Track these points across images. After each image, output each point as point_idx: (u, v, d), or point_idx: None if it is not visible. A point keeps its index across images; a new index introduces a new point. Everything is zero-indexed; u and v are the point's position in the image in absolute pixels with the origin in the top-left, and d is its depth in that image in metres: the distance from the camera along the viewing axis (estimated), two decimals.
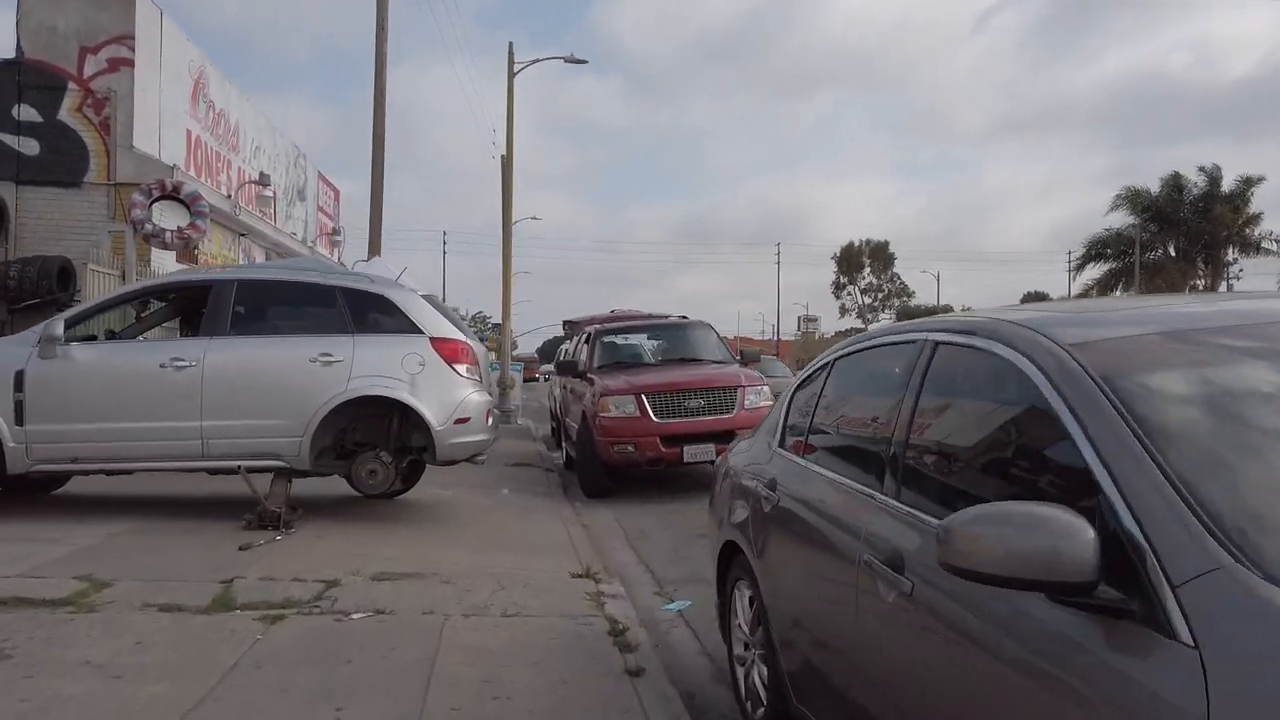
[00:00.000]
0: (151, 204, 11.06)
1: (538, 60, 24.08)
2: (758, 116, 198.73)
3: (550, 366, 22.96)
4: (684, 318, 12.95)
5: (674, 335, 12.28)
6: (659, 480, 10.63)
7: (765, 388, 10.45)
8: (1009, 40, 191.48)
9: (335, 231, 26.34)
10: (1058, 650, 1.68)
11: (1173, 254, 44.35)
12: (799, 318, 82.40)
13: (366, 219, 15.50)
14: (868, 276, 79.64)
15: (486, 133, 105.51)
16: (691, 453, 9.75)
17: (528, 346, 56.89)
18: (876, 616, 2.37)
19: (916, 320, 2.95)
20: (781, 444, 3.61)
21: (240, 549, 6.06)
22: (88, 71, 12.93)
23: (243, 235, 17.23)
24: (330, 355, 6.90)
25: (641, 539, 7.81)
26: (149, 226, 10.89)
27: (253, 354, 7.01)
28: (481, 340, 8.74)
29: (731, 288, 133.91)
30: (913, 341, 2.74)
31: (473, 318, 69.60)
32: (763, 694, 3.38)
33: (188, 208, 11.17)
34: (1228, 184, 42.49)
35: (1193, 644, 1.43)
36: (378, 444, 7.15)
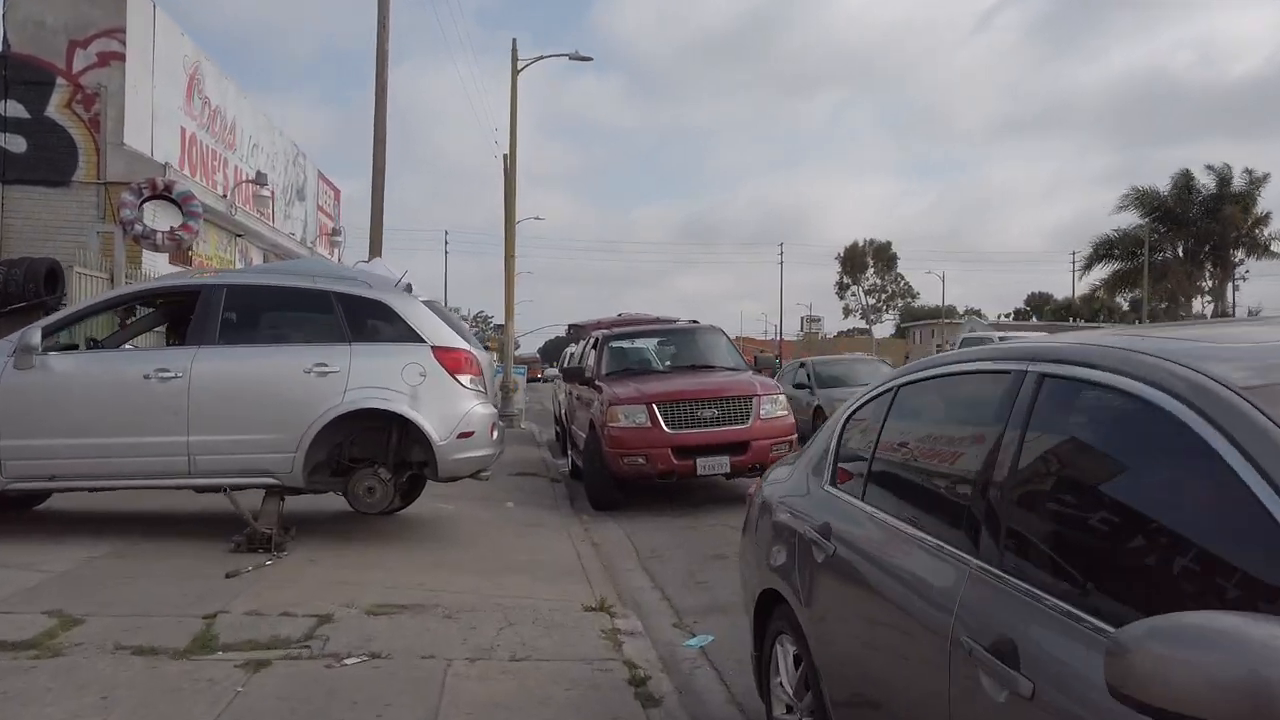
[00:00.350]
0: (142, 204, 10.60)
1: (542, 57, 23.66)
2: (759, 116, 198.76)
3: (554, 370, 22.51)
4: (694, 322, 12.49)
5: (685, 341, 11.82)
6: (669, 492, 10.18)
7: (781, 397, 10.01)
8: (1010, 39, 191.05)
9: (335, 232, 25.89)
10: None
11: (1180, 255, 43.89)
12: (802, 318, 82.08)
13: (368, 219, 15.08)
14: (871, 277, 79.20)
15: (488, 132, 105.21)
16: (705, 465, 9.32)
17: (529, 347, 56.52)
18: (980, 715, 1.93)
19: (1008, 346, 2.49)
20: (833, 481, 3.17)
21: (227, 576, 5.63)
22: (77, 66, 12.49)
23: (239, 236, 16.79)
24: (325, 365, 6.48)
25: (654, 559, 7.38)
26: (139, 227, 10.44)
27: (243, 364, 6.58)
28: (483, 340, 8.31)
29: (733, 288, 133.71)
30: (1006, 371, 2.30)
31: (475, 318, 69.29)
32: None
33: (180, 207, 10.71)
34: (1237, 183, 42.06)
35: None
36: (376, 460, 6.72)
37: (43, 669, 3.96)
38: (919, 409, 2.83)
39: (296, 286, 7.09)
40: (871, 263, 78.66)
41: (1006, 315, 75.80)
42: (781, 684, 3.28)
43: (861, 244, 78.87)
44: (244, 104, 17.85)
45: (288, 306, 7.22)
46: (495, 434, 7.02)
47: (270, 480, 6.47)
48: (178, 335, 7.42)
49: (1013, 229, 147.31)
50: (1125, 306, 52.51)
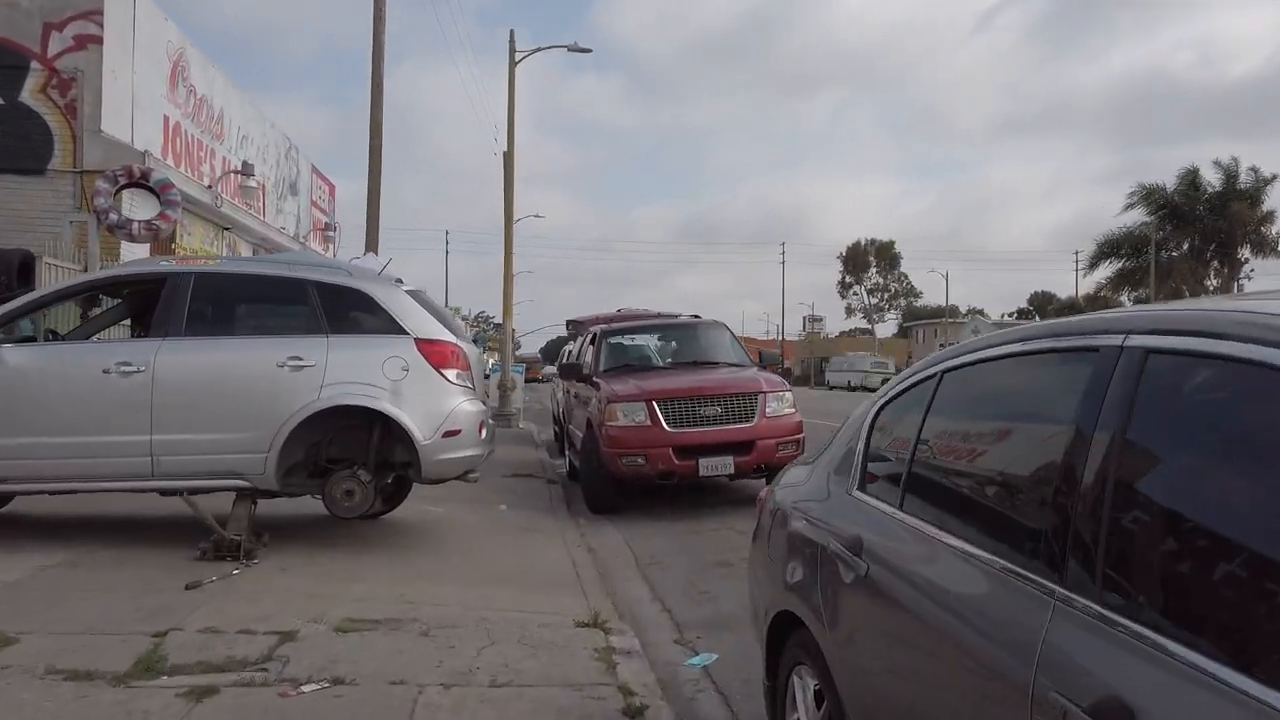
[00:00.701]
0: (117, 192, 10.11)
1: (540, 49, 23.13)
2: (759, 116, 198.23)
3: (553, 368, 22.04)
4: (696, 317, 12.01)
5: (686, 336, 11.31)
6: (670, 494, 9.70)
7: (788, 394, 9.52)
8: (1010, 39, 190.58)
9: (329, 227, 25.38)
10: None
11: (1186, 253, 43.41)
12: (804, 317, 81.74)
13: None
14: (874, 276, 78.74)
15: (489, 132, 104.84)
16: (708, 466, 8.83)
17: (530, 346, 56.08)
18: None
19: (1089, 317, 1.98)
20: (861, 485, 2.69)
21: (187, 587, 5.17)
22: (52, 49, 11.99)
23: (227, 229, 16.29)
24: (300, 359, 6.01)
25: (654, 566, 6.91)
26: (114, 216, 9.94)
27: (211, 357, 6.12)
28: (481, 341, 7.82)
29: (734, 288, 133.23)
30: (1094, 349, 1.81)
31: (475, 317, 68.81)
32: None
33: (158, 196, 10.22)
34: (1243, 179, 41.57)
35: None
36: (355, 460, 6.25)
37: None
38: (972, 398, 2.33)
39: (270, 274, 6.63)
40: (874, 262, 78.24)
41: (1010, 315, 75.33)
42: None
43: (864, 243, 78.46)
44: (233, 94, 17.35)
45: (260, 296, 6.76)
46: (484, 432, 6.55)
47: (241, 482, 6.01)
48: (142, 326, 6.94)
49: (1013, 229, 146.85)
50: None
